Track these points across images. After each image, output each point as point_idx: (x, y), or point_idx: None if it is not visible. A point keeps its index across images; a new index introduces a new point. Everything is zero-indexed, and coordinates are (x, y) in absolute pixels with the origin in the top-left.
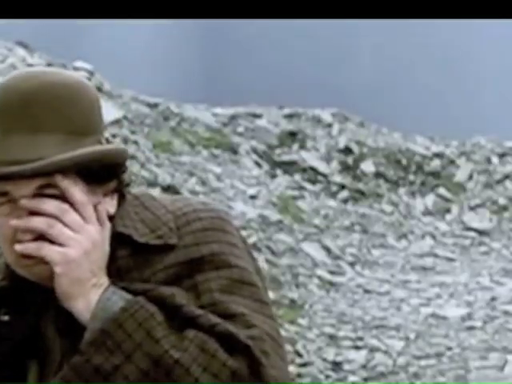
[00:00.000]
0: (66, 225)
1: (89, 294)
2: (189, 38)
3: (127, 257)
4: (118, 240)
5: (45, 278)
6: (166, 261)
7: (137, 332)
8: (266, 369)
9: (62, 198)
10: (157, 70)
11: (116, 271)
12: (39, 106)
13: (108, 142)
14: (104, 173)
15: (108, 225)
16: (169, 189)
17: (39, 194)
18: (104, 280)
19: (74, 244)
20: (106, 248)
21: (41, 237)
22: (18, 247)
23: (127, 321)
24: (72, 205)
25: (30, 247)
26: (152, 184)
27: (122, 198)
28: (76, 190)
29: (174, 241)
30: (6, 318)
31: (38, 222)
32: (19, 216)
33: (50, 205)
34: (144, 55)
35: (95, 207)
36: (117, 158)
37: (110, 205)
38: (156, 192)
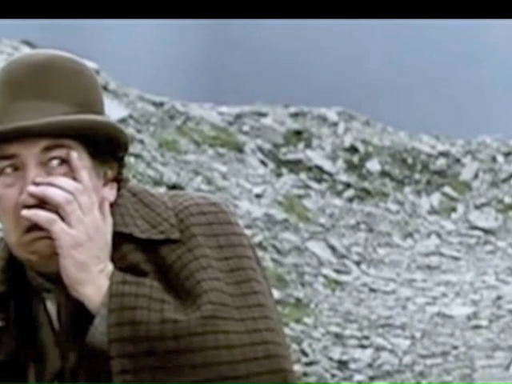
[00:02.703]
0: (79, 206)
1: (98, 280)
2: (194, 37)
3: (134, 251)
4: (120, 238)
5: (46, 256)
6: (176, 251)
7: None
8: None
9: (67, 162)
10: (162, 69)
11: (129, 267)
12: (48, 74)
13: None
14: (107, 147)
15: (110, 219)
16: (174, 188)
17: (45, 161)
18: (110, 268)
19: (82, 227)
20: (108, 238)
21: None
22: (27, 213)
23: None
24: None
25: (42, 216)
26: (157, 183)
27: (119, 189)
28: (85, 173)
29: (176, 235)
30: (1, 323)
31: (56, 194)
32: (23, 186)
33: (66, 182)
34: (149, 54)
35: (100, 199)
36: (121, 135)
37: (109, 194)
38: (162, 191)
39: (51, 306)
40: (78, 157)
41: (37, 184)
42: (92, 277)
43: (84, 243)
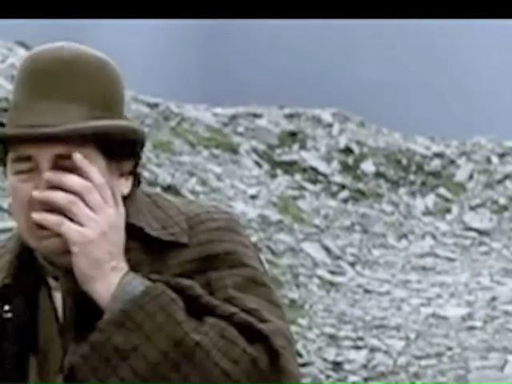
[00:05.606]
0: (86, 204)
1: (109, 276)
2: (189, 38)
3: (139, 249)
4: (130, 232)
5: (56, 251)
6: (179, 257)
7: (158, 314)
8: (285, 361)
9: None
10: (157, 70)
11: (127, 262)
12: (72, 75)
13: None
14: (124, 149)
15: (122, 210)
16: (169, 189)
17: (59, 167)
18: (123, 264)
19: (93, 225)
20: (123, 233)
21: (57, 209)
22: (36, 216)
23: (148, 303)
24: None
25: (50, 220)
26: (152, 184)
27: (135, 182)
28: (94, 170)
29: (185, 240)
30: (8, 315)
31: (59, 197)
32: (38, 184)
33: (75, 181)
34: (144, 55)
35: (112, 189)
36: (138, 135)
37: (124, 186)
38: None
39: (57, 298)
40: (93, 158)
41: (47, 181)
42: (103, 273)
43: (96, 240)
